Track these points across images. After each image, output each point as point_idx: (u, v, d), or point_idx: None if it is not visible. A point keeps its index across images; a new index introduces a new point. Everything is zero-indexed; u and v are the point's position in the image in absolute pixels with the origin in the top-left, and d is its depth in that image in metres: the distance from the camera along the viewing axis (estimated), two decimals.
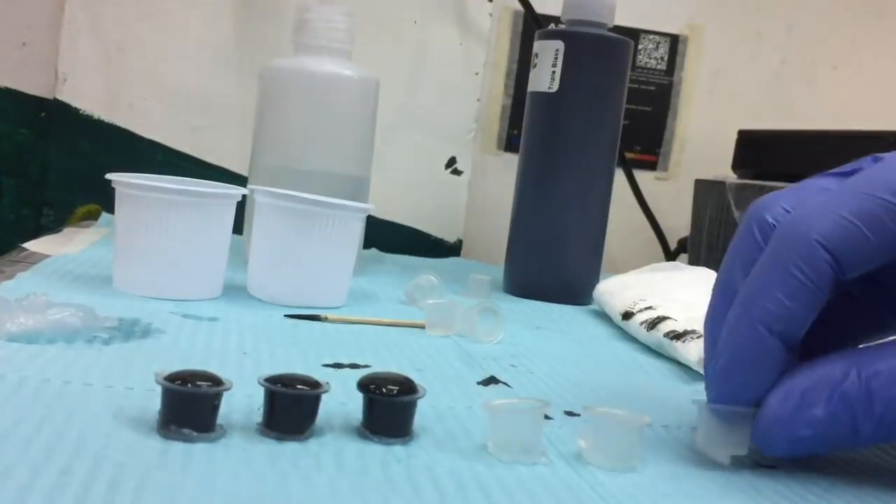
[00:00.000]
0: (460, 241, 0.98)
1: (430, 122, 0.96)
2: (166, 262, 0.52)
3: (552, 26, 0.86)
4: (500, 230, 0.79)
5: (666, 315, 0.56)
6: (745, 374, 0.33)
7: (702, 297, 0.48)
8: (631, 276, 0.68)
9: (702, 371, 0.50)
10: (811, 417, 0.32)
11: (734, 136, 0.91)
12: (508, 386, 0.43)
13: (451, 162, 0.97)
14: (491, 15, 0.97)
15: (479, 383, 0.43)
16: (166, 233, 0.52)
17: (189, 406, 0.30)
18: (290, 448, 0.31)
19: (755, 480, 0.34)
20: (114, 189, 0.53)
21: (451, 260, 0.94)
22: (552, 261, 0.73)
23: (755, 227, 0.36)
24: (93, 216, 0.85)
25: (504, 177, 0.87)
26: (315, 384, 0.32)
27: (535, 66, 0.73)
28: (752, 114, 1.04)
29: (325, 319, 0.53)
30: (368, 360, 0.44)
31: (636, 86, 1.04)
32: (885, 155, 0.35)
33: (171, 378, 0.30)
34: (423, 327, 0.54)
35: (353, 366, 0.43)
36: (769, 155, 0.88)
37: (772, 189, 0.78)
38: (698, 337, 0.51)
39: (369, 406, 0.33)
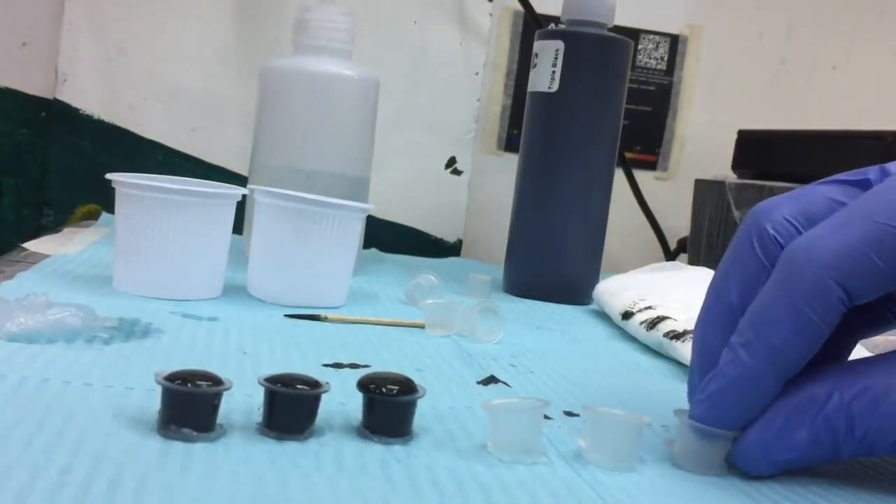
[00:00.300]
0: (460, 241, 0.99)
1: (430, 122, 0.96)
2: (166, 262, 0.52)
3: (552, 26, 0.86)
4: (500, 230, 0.79)
5: (666, 315, 0.56)
6: (739, 403, 0.33)
7: (701, 298, 0.48)
8: (631, 276, 0.68)
9: None
10: (793, 441, 0.33)
11: (734, 136, 0.92)
12: (508, 386, 0.43)
13: (451, 162, 0.97)
14: (491, 15, 0.97)
15: (478, 383, 0.43)
16: (166, 233, 0.52)
17: (189, 406, 0.30)
18: (290, 448, 0.31)
19: (755, 480, 0.34)
20: (114, 189, 0.53)
21: (451, 260, 0.94)
22: (552, 261, 0.73)
23: (754, 236, 0.35)
24: (93, 216, 0.85)
25: (504, 177, 0.87)
26: (315, 384, 0.32)
27: (535, 66, 0.73)
28: (751, 114, 1.04)
29: (325, 319, 0.53)
30: (368, 360, 0.44)
31: (636, 86, 1.04)
32: (893, 166, 0.34)
33: (171, 378, 0.30)
34: (422, 327, 0.54)
35: (353, 366, 0.43)
36: (769, 155, 0.88)
37: (771, 189, 0.79)
38: None
39: (369, 406, 0.33)
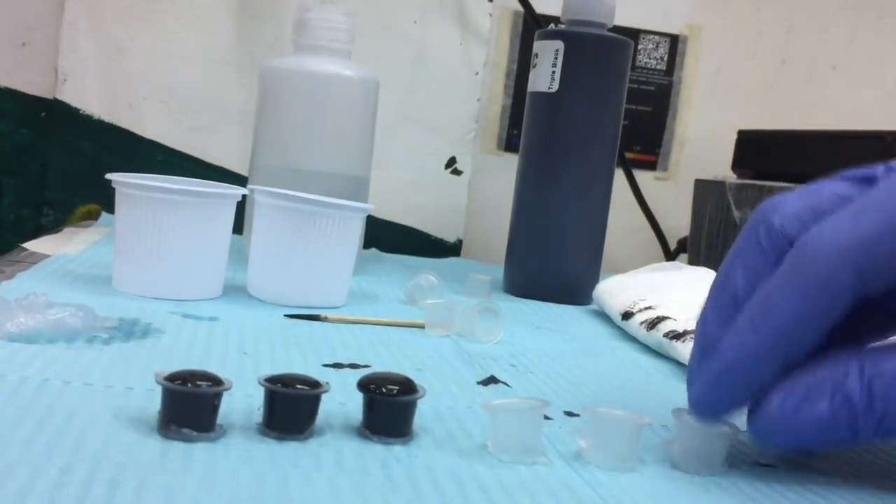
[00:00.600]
0: (460, 241, 0.99)
1: (430, 122, 0.96)
2: (166, 262, 0.52)
3: (552, 26, 0.86)
4: (500, 230, 0.79)
5: (666, 315, 0.56)
6: (740, 383, 0.33)
7: (701, 298, 0.48)
8: (631, 276, 0.68)
9: None
10: (813, 414, 0.32)
11: (734, 136, 0.91)
12: (508, 386, 0.43)
13: (451, 162, 0.97)
14: (491, 15, 0.97)
15: (478, 383, 0.43)
16: (166, 233, 0.52)
17: (189, 406, 0.30)
18: (290, 448, 0.31)
19: (755, 480, 0.34)
20: (114, 189, 0.53)
21: (451, 260, 0.94)
22: (552, 261, 0.73)
23: (762, 230, 0.35)
24: (93, 216, 0.85)
25: (504, 177, 0.87)
26: (315, 384, 0.32)
27: (535, 66, 0.73)
28: (751, 114, 1.04)
29: (325, 319, 0.53)
30: (368, 360, 0.44)
31: (636, 86, 1.04)
32: None
33: (171, 378, 0.30)
34: (422, 327, 0.54)
35: (353, 366, 0.43)
36: (769, 155, 0.88)
37: (771, 189, 0.79)
38: None
39: (369, 406, 0.33)
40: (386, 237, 0.91)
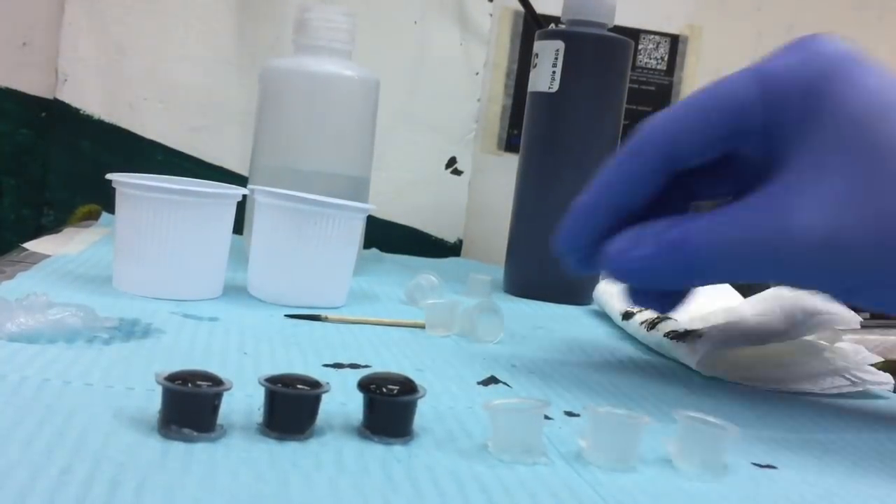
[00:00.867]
0: (460, 241, 0.99)
1: (430, 123, 0.96)
2: (166, 262, 0.52)
3: (552, 26, 0.86)
4: (500, 230, 0.79)
5: (666, 315, 0.56)
6: (580, 227, 0.45)
7: (702, 297, 0.48)
8: None
9: (702, 371, 0.50)
10: (640, 254, 0.41)
11: None
12: (508, 386, 0.43)
13: (452, 162, 0.97)
14: (491, 15, 0.97)
15: (479, 383, 0.43)
16: (166, 233, 0.52)
17: (189, 406, 0.30)
18: (291, 448, 0.31)
19: (755, 480, 0.34)
20: (114, 189, 0.53)
21: (451, 260, 0.94)
22: (552, 261, 0.72)
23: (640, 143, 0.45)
24: (93, 216, 0.85)
25: (504, 177, 0.87)
26: (315, 384, 0.32)
27: (535, 66, 0.73)
28: None
29: (325, 319, 0.53)
30: (368, 360, 0.44)
31: (636, 86, 1.04)
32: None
33: (172, 378, 0.30)
34: (423, 327, 0.54)
35: (353, 366, 0.43)
36: None
37: None
38: (699, 337, 0.51)
39: (369, 406, 0.33)
40: (386, 237, 0.91)
